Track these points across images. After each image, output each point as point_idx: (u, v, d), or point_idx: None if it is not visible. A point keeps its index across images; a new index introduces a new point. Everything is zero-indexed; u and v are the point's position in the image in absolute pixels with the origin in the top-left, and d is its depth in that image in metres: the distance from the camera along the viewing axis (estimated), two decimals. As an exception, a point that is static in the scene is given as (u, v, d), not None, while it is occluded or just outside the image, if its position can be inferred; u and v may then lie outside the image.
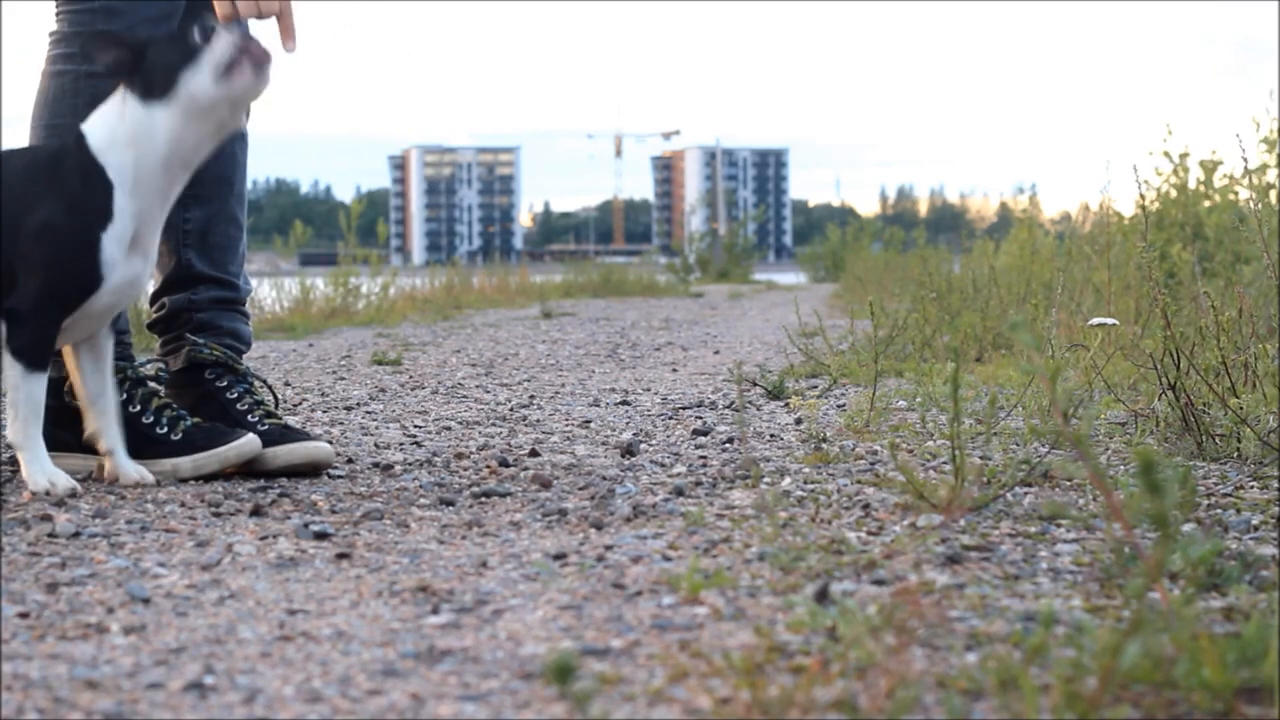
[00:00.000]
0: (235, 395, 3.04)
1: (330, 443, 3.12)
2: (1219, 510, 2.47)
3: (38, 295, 2.62)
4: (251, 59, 2.60)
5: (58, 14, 3.01)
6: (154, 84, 2.62)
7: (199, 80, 2.60)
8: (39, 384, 2.65)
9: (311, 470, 2.91)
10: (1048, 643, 1.48)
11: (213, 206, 3.10)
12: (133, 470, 2.78)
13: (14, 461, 3.01)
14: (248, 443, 2.86)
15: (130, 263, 2.67)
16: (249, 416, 2.99)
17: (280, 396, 3.85)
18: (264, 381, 3.17)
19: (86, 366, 2.79)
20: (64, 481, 2.64)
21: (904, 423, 3.71)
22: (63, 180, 2.65)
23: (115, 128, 2.65)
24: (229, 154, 3.08)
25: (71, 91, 2.95)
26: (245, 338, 3.17)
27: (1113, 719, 1.35)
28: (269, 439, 2.91)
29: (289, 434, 2.95)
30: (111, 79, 2.67)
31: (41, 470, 2.66)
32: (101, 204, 2.63)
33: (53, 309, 2.64)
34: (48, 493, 2.62)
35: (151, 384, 3.01)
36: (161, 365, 3.08)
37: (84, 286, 2.64)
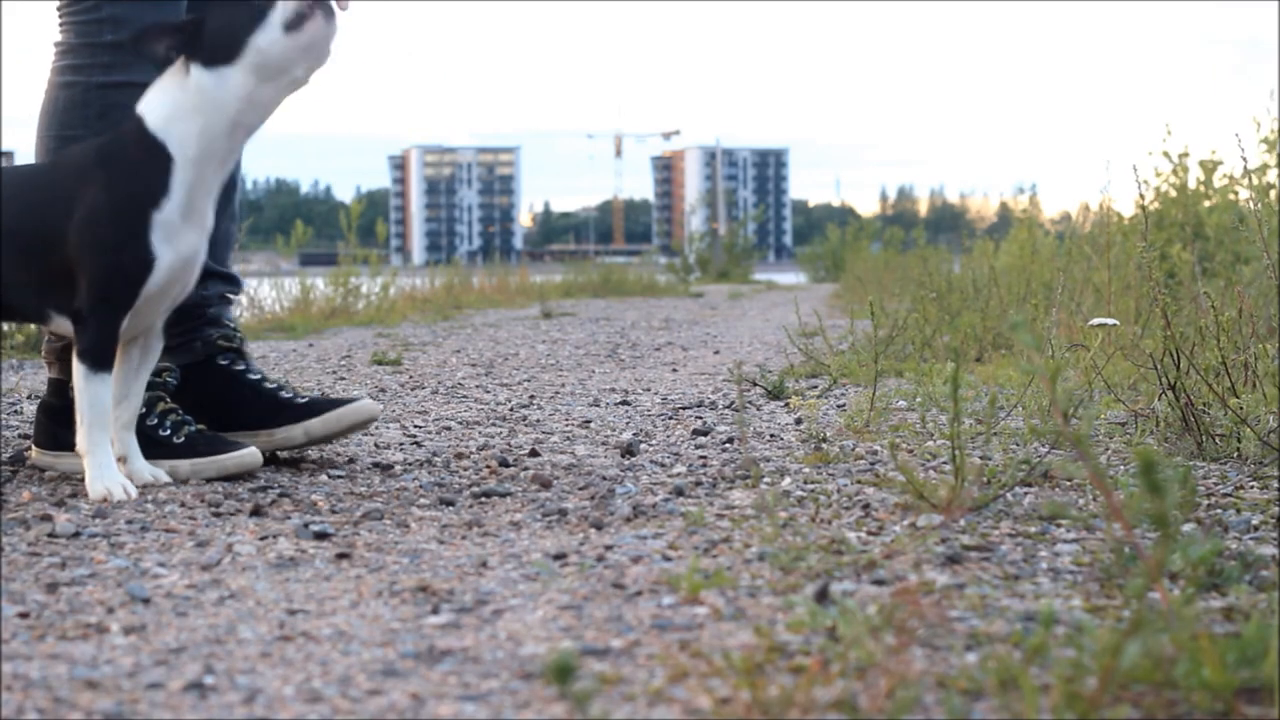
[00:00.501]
0: (258, 376, 3.08)
1: (333, 443, 3.13)
2: (1219, 510, 2.47)
3: (95, 292, 2.59)
4: (320, 7, 2.57)
5: (61, 24, 2.98)
6: (219, 48, 2.58)
7: (269, 35, 2.57)
8: (103, 386, 2.62)
9: (361, 428, 3.04)
10: (1048, 643, 1.48)
11: (218, 205, 3.10)
12: (146, 473, 2.77)
13: (14, 461, 3.01)
14: (249, 454, 2.85)
15: (184, 236, 2.64)
16: (282, 392, 3.04)
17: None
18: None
19: (128, 365, 2.76)
20: (120, 492, 2.60)
21: (904, 423, 3.71)
22: (112, 165, 2.61)
23: (178, 100, 2.61)
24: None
25: (82, 103, 2.94)
26: (236, 324, 3.24)
27: (1113, 719, 1.35)
28: (314, 409, 3.00)
29: (327, 403, 3.03)
30: (167, 63, 2.63)
31: (101, 478, 2.62)
32: (152, 183, 2.60)
33: (112, 304, 2.60)
34: (104, 500, 2.59)
35: (158, 389, 3.00)
36: (168, 367, 3.07)
37: (136, 273, 2.60)
